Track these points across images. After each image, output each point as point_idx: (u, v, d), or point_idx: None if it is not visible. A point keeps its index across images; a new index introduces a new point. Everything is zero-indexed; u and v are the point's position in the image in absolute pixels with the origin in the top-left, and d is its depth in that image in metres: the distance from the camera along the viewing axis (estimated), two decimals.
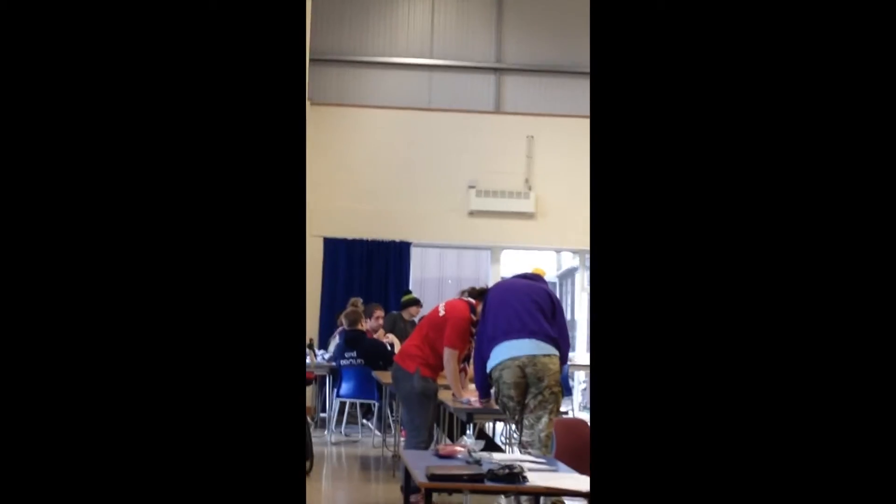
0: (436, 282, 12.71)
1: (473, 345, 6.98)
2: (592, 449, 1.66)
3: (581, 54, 12.22)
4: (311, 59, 10.08)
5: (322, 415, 10.19)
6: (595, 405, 1.67)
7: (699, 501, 1.57)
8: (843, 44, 1.59)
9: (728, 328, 1.62)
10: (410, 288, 11.48)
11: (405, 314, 10.03)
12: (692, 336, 1.63)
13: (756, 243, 1.62)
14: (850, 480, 1.51)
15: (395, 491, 7.18)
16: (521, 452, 5.35)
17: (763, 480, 1.56)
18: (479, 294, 6.62)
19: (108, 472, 1.67)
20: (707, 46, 1.67)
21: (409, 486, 4.70)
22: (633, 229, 1.68)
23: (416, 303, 10.22)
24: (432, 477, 3.56)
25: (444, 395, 6.62)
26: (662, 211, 1.67)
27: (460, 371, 6.73)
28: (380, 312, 9.83)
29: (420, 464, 3.85)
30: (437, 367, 6.48)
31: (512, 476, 3.59)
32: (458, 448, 4.15)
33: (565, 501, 5.24)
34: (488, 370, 5.81)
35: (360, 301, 9.94)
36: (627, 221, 1.69)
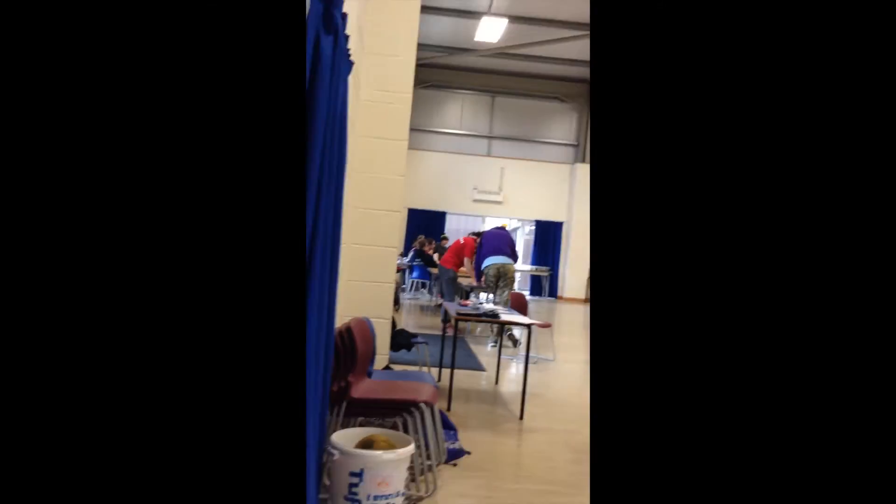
0: (455, 232, 18.68)
1: (473, 257, 10.72)
2: (592, 439, 1.55)
3: None
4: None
5: (404, 286, 16.99)
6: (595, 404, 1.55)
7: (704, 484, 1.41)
8: (843, 42, 1.39)
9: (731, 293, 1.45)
10: (445, 232, 19.91)
11: (443, 243, 17.99)
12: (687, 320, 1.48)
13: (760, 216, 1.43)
14: (850, 481, 1.33)
15: (437, 321, 11.46)
16: (494, 305, 7.62)
17: (764, 471, 1.41)
18: (477, 234, 10.73)
19: (97, 451, 1.45)
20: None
21: (446, 319, 7.22)
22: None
23: (445, 238, 18.29)
24: (459, 314, 5.80)
25: (461, 280, 11.04)
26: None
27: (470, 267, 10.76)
28: (434, 244, 16.88)
29: (452, 308, 6.16)
30: (460, 265, 10.95)
31: (494, 314, 5.98)
32: (470, 302, 6.68)
33: (514, 329, 10.00)
34: (482, 268, 9.49)
35: (423, 237, 17.96)
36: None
